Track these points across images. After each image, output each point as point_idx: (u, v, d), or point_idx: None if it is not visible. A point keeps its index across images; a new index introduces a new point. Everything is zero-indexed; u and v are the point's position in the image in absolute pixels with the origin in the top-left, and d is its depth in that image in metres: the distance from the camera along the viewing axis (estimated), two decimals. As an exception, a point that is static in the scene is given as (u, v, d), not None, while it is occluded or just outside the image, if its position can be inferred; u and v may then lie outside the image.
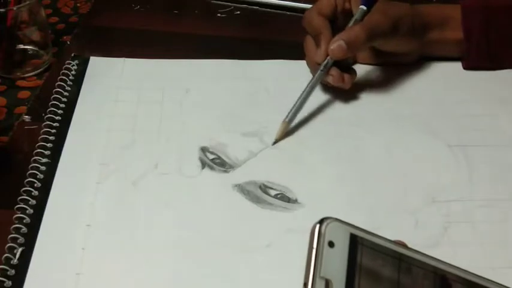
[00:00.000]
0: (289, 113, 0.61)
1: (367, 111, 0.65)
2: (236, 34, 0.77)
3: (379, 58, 0.70)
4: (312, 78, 0.63)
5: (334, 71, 0.63)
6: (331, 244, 0.30)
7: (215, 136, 0.61)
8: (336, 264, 0.29)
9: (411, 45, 0.68)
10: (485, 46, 0.68)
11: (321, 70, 0.63)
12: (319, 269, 0.29)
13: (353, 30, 0.63)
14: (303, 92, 0.62)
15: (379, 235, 0.32)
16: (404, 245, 0.33)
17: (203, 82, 0.68)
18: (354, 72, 0.65)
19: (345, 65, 0.64)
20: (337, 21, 0.66)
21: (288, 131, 0.61)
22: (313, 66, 0.65)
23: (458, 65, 0.70)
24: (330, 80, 0.63)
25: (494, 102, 0.66)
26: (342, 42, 0.62)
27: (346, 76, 0.64)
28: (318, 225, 0.30)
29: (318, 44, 0.64)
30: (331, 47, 0.62)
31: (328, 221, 0.30)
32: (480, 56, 0.69)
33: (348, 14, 0.66)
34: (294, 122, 0.62)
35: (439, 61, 0.71)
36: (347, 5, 0.66)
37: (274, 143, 0.60)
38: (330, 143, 0.61)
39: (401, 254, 0.31)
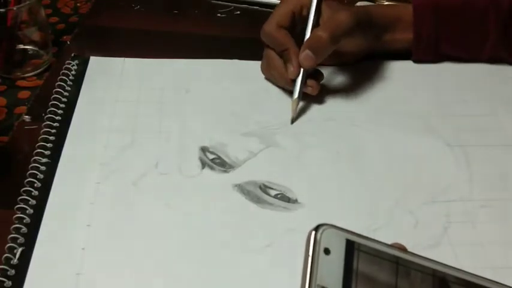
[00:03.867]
0: (296, 91, 0.62)
1: (367, 111, 0.64)
2: (236, 34, 0.77)
3: (332, 60, 0.67)
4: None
5: (310, 82, 0.63)
6: (326, 251, 0.30)
7: (215, 136, 0.60)
8: (332, 271, 0.29)
9: (364, 44, 0.67)
10: (434, 46, 0.68)
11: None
12: (315, 277, 0.29)
13: (314, 35, 0.62)
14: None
15: (376, 239, 0.32)
16: (402, 249, 0.32)
17: (203, 82, 0.68)
18: (321, 75, 0.65)
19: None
20: (296, 29, 0.65)
21: (290, 133, 0.61)
22: (284, 81, 0.65)
23: (458, 65, 0.70)
24: (309, 91, 0.63)
25: (494, 102, 0.66)
26: (307, 51, 0.61)
27: (314, 83, 0.63)
28: (313, 232, 0.30)
29: (286, 60, 0.63)
30: (300, 58, 0.62)
31: (324, 227, 0.30)
32: (428, 54, 0.69)
33: (305, 21, 0.65)
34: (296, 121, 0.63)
35: (439, 61, 0.71)
36: (304, 11, 0.65)
37: (292, 122, 0.62)
38: (330, 142, 0.61)
39: (398, 258, 0.31)
